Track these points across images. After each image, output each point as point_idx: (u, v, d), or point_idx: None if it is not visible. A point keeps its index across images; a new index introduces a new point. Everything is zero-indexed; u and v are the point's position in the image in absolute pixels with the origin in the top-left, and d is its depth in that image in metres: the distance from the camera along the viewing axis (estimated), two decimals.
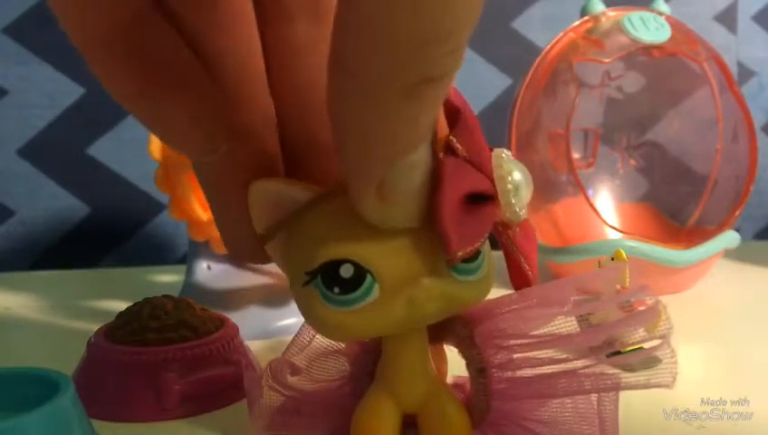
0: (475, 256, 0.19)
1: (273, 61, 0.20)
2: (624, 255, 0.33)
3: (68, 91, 0.63)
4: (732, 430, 0.25)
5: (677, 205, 0.55)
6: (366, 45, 0.14)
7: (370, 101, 0.15)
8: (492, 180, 0.20)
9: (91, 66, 0.17)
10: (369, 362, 0.23)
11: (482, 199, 0.19)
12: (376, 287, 0.19)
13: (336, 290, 0.19)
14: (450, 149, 0.19)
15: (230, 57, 0.19)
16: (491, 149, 0.20)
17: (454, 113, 0.19)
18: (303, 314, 0.20)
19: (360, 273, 0.18)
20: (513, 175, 0.20)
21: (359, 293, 0.19)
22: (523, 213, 0.21)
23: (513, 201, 0.20)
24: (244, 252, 0.22)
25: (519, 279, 0.22)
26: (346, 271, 0.18)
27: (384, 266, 0.19)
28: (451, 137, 0.19)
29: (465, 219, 0.18)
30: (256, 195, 0.20)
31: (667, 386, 0.20)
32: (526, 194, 0.20)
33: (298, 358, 0.25)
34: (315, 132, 0.20)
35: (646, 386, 0.20)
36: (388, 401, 0.22)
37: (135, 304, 0.30)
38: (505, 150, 0.20)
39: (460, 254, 0.18)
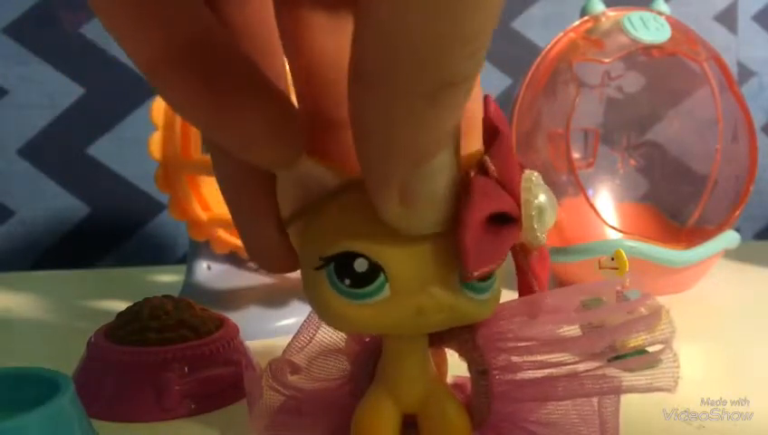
0: (489, 276, 0.19)
1: (288, 42, 0.20)
2: (624, 255, 0.33)
3: (68, 91, 0.63)
4: (732, 430, 0.25)
5: (677, 205, 0.55)
6: (385, 52, 0.14)
7: (391, 107, 0.14)
8: (518, 202, 0.20)
9: (162, 89, 0.17)
10: (369, 362, 0.23)
11: (504, 220, 0.19)
12: (387, 287, 0.19)
13: (347, 282, 0.19)
14: (482, 169, 0.18)
15: (254, 42, 0.19)
16: (522, 170, 0.20)
17: (492, 132, 0.19)
18: (308, 296, 0.20)
19: (374, 270, 0.18)
20: (540, 199, 0.20)
21: (369, 289, 0.19)
22: (544, 238, 0.21)
23: (536, 226, 0.20)
24: (269, 261, 0.22)
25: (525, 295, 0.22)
26: (360, 265, 0.18)
27: (399, 269, 0.18)
28: (485, 157, 0.19)
29: (486, 239, 0.18)
30: (286, 175, 0.19)
31: (668, 390, 0.20)
32: (550, 219, 0.20)
33: (298, 357, 0.25)
34: (330, 110, 0.20)
35: (647, 390, 0.20)
36: (388, 400, 0.22)
37: (135, 304, 0.30)
38: (536, 173, 0.20)
39: (476, 274, 0.18)
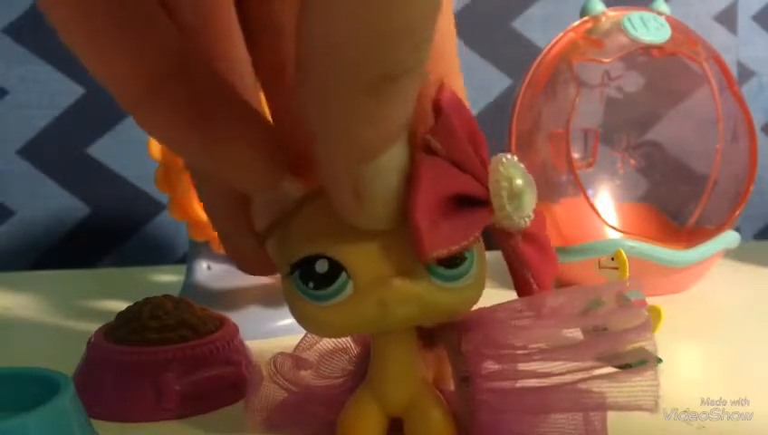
0: (458, 261, 0.19)
1: (266, 79, 0.20)
2: (624, 255, 0.33)
3: (68, 91, 0.63)
4: (732, 430, 0.25)
5: (677, 205, 0.55)
6: (322, 47, 0.13)
7: (333, 103, 0.14)
8: (485, 184, 0.19)
9: (147, 125, 0.17)
10: (365, 363, 0.23)
11: (474, 204, 0.19)
12: (350, 285, 0.19)
13: (311, 285, 0.19)
14: (428, 148, 0.18)
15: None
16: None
17: (435, 112, 0.18)
18: (287, 304, 0.20)
19: (335, 269, 0.19)
20: (515, 180, 0.19)
21: (332, 289, 0.19)
22: (524, 221, 0.20)
23: (509, 207, 0.19)
24: (251, 267, 0.22)
25: (524, 293, 0.21)
26: (321, 266, 0.19)
27: (359, 265, 0.19)
28: (428, 136, 0.18)
29: (444, 221, 0.18)
30: (256, 196, 0.20)
31: (649, 410, 0.19)
32: (528, 201, 0.20)
33: (308, 353, 0.25)
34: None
35: (628, 408, 0.20)
36: (373, 402, 0.22)
37: (135, 304, 0.30)
38: (509, 154, 0.20)
39: (434, 255, 0.18)
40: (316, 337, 0.25)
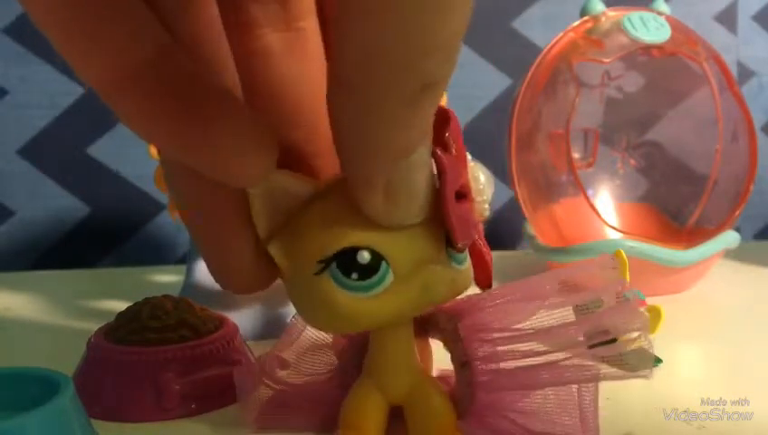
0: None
1: (243, 69, 0.19)
2: (624, 255, 0.33)
3: (68, 91, 0.63)
4: (732, 430, 0.25)
5: (677, 205, 0.55)
6: (364, 61, 0.14)
7: (372, 112, 0.15)
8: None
9: (117, 108, 0.17)
10: (355, 356, 0.24)
11: (461, 197, 0.20)
12: (390, 273, 0.19)
13: (354, 276, 0.19)
14: (445, 148, 0.20)
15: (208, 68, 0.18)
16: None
17: (444, 115, 0.20)
18: (307, 306, 0.20)
19: (376, 259, 0.19)
20: (481, 176, 0.22)
21: (375, 278, 0.19)
22: (489, 210, 0.22)
23: (485, 199, 0.22)
24: (242, 282, 0.21)
25: (482, 273, 0.23)
26: (363, 257, 0.19)
27: (398, 254, 0.19)
28: (447, 135, 0.20)
29: (461, 212, 0.20)
30: (259, 193, 0.19)
31: (644, 377, 0.21)
32: (490, 193, 0.22)
33: (287, 353, 0.26)
34: (288, 134, 0.20)
35: (624, 377, 0.21)
36: (375, 392, 0.22)
37: (135, 304, 0.30)
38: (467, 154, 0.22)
39: (465, 243, 0.20)
40: (294, 336, 0.25)
